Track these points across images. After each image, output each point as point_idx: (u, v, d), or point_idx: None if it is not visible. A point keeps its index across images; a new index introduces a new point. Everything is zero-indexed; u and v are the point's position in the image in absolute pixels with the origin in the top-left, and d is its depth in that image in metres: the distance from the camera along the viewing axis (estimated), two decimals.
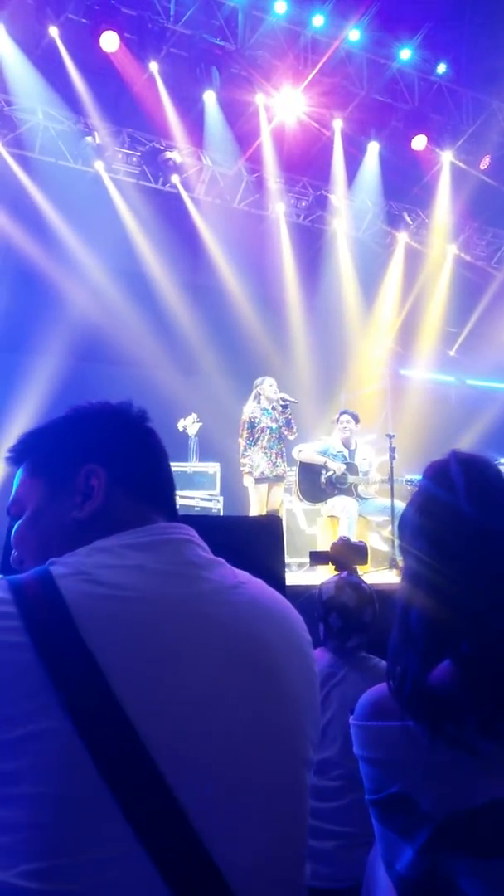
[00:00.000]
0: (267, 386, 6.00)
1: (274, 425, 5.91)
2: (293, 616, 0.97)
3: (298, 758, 0.84)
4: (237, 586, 0.92)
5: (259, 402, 5.99)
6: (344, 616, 2.15)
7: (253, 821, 0.76)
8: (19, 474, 1.01)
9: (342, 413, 6.14)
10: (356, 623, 2.16)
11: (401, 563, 5.25)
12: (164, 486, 1.03)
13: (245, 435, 5.92)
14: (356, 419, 6.03)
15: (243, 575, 0.96)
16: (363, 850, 1.82)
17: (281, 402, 5.88)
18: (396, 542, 5.44)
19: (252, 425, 5.89)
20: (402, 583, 1.00)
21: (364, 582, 2.31)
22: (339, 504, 5.66)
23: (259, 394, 6.01)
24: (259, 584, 0.97)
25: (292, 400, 5.96)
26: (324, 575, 4.38)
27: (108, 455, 0.97)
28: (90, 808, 0.69)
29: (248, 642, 0.85)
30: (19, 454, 1.01)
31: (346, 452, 5.95)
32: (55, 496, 0.96)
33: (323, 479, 5.86)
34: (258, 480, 5.86)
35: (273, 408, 5.94)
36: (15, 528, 0.99)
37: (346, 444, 5.99)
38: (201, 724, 0.76)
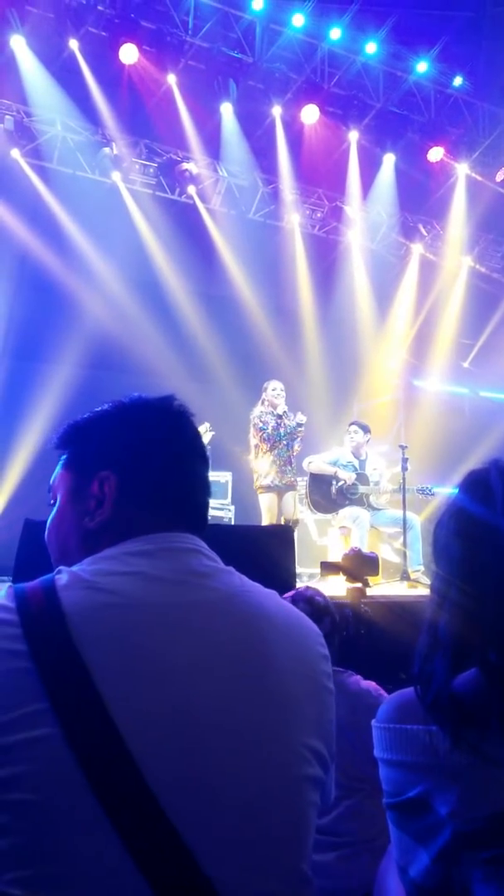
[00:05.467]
0: (270, 390, 5.90)
1: (281, 430, 5.78)
2: (304, 628, 0.95)
3: (296, 774, 0.82)
4: (242, 594, 0.90)
5: (265, 406, 5.89)
6: None
7: (243, 834, 0.75)
8: (60, 463, 1.04)
9: (350, 423, 6.12)
10: None
11: (412, 575, 5.21)
12: (186, 494, 1.00)
13: (255, 441, 5.82)
14: (364, 430, 6.00)
15: (253, 585, 0.94)
16: (365, 859, 1.79)
17: (275, 416, 5.76)
18: (408, 553, 5.41)
19: (260, 431, 5.78)
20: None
21: (320, 593, 2.30)
22: (350, 515, 5.63)
23: (264, 399, 5.92)
24: (270, 594, 0.95)
25: (279, 413, 5.77)
26: (335, 584, 4.37)
27: (125, 461, 0.98)
28: (77, 817, 0.69)
29: (245, 655, 0.84)
30: (61, 442, 1.04)
31: (356, 462, 5.93)
32: (75, 496, 0.99)
33: (333, 490, 5.84)
34: (267, 489, 5.77)
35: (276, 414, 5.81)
36: (48, 521, 1.03)
37: (356, 454, 5.96)
38: (190, 736, 0.76)
